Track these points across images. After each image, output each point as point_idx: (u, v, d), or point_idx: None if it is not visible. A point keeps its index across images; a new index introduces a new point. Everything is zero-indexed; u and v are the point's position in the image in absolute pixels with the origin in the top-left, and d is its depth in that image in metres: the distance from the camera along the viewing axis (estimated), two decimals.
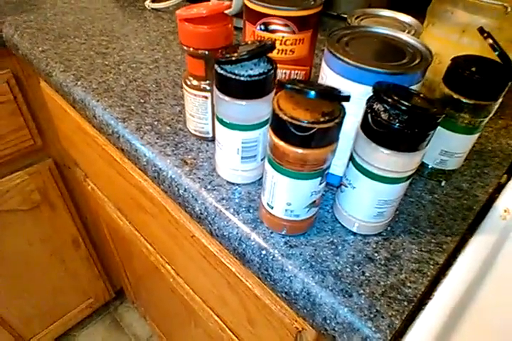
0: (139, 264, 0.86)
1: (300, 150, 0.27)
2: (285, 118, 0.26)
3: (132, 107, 0.47)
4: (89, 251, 1.06)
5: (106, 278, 1.18)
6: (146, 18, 0.69)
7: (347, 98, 0.25)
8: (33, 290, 1.02)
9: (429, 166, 0.40)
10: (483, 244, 0.35)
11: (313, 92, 0.24)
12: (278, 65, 0.41)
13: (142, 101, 0.48)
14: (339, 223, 0.35)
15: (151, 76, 0.53)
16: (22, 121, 0.74)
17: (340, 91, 0.26)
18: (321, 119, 0.25)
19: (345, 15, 0.70)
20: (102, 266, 1.14)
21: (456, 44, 0.44)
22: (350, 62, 0.29)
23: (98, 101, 0.48)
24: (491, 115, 0.36)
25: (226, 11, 0.61)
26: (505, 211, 0.38)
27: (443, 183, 0.41)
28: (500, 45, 0.34)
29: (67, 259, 1.02)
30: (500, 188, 0.41)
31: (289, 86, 0.25)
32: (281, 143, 0.27)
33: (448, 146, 0.38)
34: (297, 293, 0.31)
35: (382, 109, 0.27)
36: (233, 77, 0.30)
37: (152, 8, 0.72)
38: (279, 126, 0.27)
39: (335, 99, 0.25)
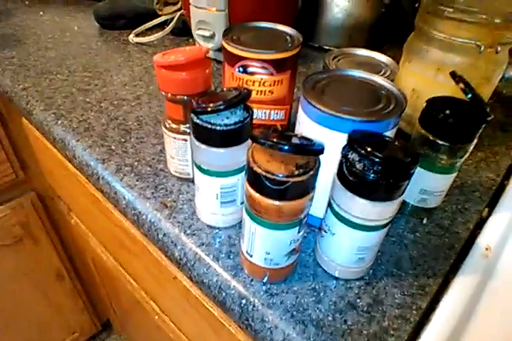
0: (125, 298, 0.84)
1: (276, 202, 0.27)
2: (259, 171, 0.26)
3: (113, 147, 0.47)
4: (73, 284, 1.03)
5: (92, 310, 1.15)
6: (129, 52, 0.70)
7: (320, 152, 0.25)
8: (16, 325, 0.98)
9: (410, 204, 0.40)
10: (466, 284, 0.35)
11: (286, 147, 0.24)
12: (258, 106, 0.42)
13: (123, 140, 0.48)
14: (321, 267, 0.35)
15: (133, 113, 0.53)
16: (3, 155, 0.74)
17: (314, 144, 0.26)
18: (296, 172, 0.25)
19: (326, 47, 0.71)
20: (87, 298, 1.11)
21: (433, 81, 0.45)
22: (326, 110, 0.30)
23: (78, 141, 0.47)
24: (467, 155, 0.36)
25: (209, 46, 0.62)
26: (486, 249, 0.38)
27: (425, 221, 0.41)
28: (473, 87, 0.35)
29: (50, 293, 1.00)
30: (481, 223, 0.42)
31: (262, 141, 0.25)
32: (257, 195, 0.27)
33: (427, 185, 0.38)
34: None
35: (357, 158, 0.27)
36: (209, 126, 0.30)
37: (136, 42, 0.72)
38: (254, 178, 0.26)
39: (309, 153, 0.25)
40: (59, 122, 0.50)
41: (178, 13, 0.70)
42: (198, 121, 0.30)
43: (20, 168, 0.78)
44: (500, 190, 0.45)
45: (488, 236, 0.39)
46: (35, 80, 0.59)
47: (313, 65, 0.67)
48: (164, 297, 0.56)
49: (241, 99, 0.30)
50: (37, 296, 0.98)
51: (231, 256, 0.35)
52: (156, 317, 0.63)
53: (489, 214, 0.42)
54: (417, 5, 0.62)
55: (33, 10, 0.84)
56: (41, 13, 0.83)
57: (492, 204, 0.43)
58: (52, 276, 0.97)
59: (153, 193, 0.41)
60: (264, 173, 0.25)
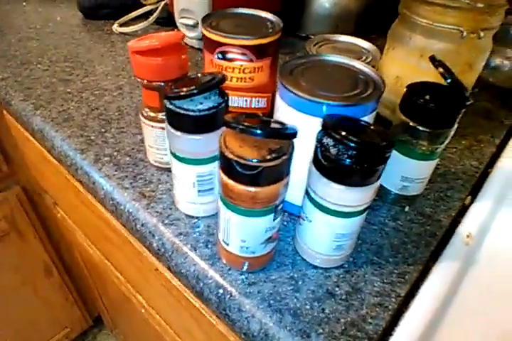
0: (113, 292, 0.83)
1: (249, 188, 0.26)
2: (231, 156, 0.25)
3: (92, 137, 0.46)
4: (62, 279, 1.02)
5: (82, 305, 1.14)
6: (113, 42, 0.68)
7: (292, 135, 0.25)
8: (4, 322, 0.97)
9: (392, 192, 0.40)
10: (446, 272, 0.35)
11: (258, 131, 0.24)
12: (238, 93, 0.41)
13: (103, 130, 0.47)
14: (300, 256, 0.34)
15: (114, 103, 0.52)
16: None
17: (286, 128, 0.25)
18: (268, 157, 0.25)
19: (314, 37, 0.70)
20: (77, 293, 1.10)
21: (416, 67, 0.44)
22: (301, 94, 0.29)
23: (57, 131, 0.46)
24: (447, 141, 0.36)
25: (192, 35, 0.61)
26: (467, 236, 0.38)
27: (407, 208, 0.40)
28: (454, 72, 0.35)
29: (39, 288, 0.99)
30: (463, 211, 0.41)
31: (233, 125, 0.24)
32: (230, 181, 0.26)
33: (408, 172, 0.38)
34: (255, 334, 0.30)
35: (332, 143, 0.26)
36: (183, 112, 0.29)
37: (120, 33, 0.71)
38: (227, 164, 0.26)
39: (281, 137, 0.25)
40: (38, 112, 0.49)
41: (162, 3, 0.69)
42: (171, 106, 0.29)
43: (4, 161, 0.77)
44: (484, 178, 0.45)
45: (470, 223, 0.39)
46: (15, 70, 0.58)
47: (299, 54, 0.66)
48: (149, 289, 0.55)
49: (215, 83, 0.29)
50: (26, 292, 0.97)
51: (209, 246, 0.34)
52: (143, 310, 0.63)
53: (472, 202, 0.42)
54: None
55: (15, 1, 0.82)
56: (24, 3, 0.81)
57: (475, 192, 0.43)
58: (41, 271, 0.96)
59: (131, 183, 0.40)
60: (236, 158, 0.25)
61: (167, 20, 0.70)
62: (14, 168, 0.80)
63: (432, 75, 0.42)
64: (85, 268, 0.92)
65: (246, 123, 0.25)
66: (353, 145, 0.25)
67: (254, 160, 0.25)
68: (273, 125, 0.26)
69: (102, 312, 1.11)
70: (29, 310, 1.01)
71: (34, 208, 0.86)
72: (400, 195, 0.39)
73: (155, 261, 0.44)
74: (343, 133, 0.25)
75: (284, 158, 0.25)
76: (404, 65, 0.45)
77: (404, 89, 0.36)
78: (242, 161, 0.25)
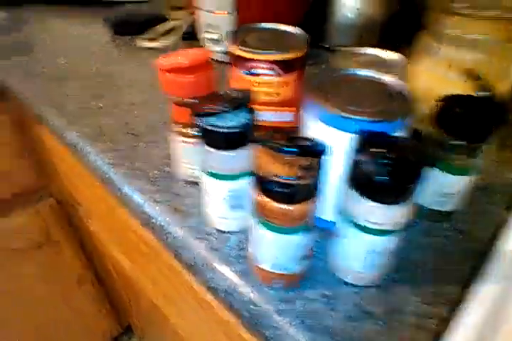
0: (144, 303, 0.84)
1: (282, 206, 0.26)
2: (264, 174, 0.25)
3: (123, 152, 0.47)
4: (95, 289, 1.04)
5: (113, 315, 1.15)
6: (140, 57, 0.70)
7: (322, 152, 0.24)
8: (38, 331, 1.00)
9: (427, 208, 0.38)
10: (489, 291, 0.33)
11: (286, 149, 0.23)
12: (265, 107, 0.41)
13: (134, 144, 0.48)
14: (334, 273, 0.34)
15: (143, 118, 0.53)
16: (24, 162, 0.75)
17: (316, 144, 0.25)
18: (299, 174, 0.24)
19: (338, 48, 0.70)
20: (109, 303, 1.12)
21: (444, 78, 0.43)
22: (332, 110, 0.29)
23: (90, 146, 0.48)
24: (484, 155, 0.34)
25: (217, 49, 0.61)
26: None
27: (443, 224, 0.39)
28: (487, 82, 0.34)
29: (72, 298, 1.01)
30: (502, 226, 0.39)
31: (262, 143, 0.24)
32: (263, 199, 0.26)
33: (444, 188, 0.36)
34: None
35: (367, 160, 0.26)
36: (213, 129, 0.29)
37: (147, 48, 0.73)
38: (259, 181, 0.26)
39: (310, 154, 0.25)
40: (71, 127, 0.51)
41: (188, 18, 0.70)
42: (201, 123, 0.30)
43: (40, 174, 0.79)
44: None
45: (511, 239, 0.37)
46: (48, 86, 0.60)
47: (325, 66, 0.66)
48: (179, 301, 0.56)
49: (244, 100, 0.29)
50: (59, 302, 0.99)
51: (240, 261, 0.34)
52: (173, 321, 0.63)
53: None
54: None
55: (45, 17, 0.85)
56: (55, 20, 0.85)
57: None
58: (74, 282, 0.98)
59: (163, 197, 0.40)
60: (267, 176, 0.25)
61: (192, 35, 0.71)
62: (47, 180, 0.82)
63: (460, 86, 0.41)
64: (118, 279, 0.93)
65: (278, 141, 0.24)
66: (389, 162, 0.25)
67: (285, 178, 0.24)
68: (302, 142, 0.26)
69: (133, 322, 1.13)
70: (61, 321, 1.04)
71: (67, 220, 0.88)
72: (435, 211, 0.38)
73: (186, 274, 0.44)
74: (379, 150, 0.25)
75: (316, 174, 0.25)
76: (432, 76, 0.44)
77: (438, 102, 0.35)
78: (273, 178, 0.25)
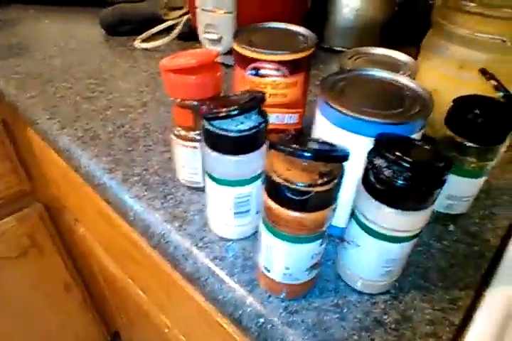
0: (133, 310, 0.81)
1: (297, 214, 0.24)
2: (278, 180, 0.23)
3: (119, 156, 0.45)
4: (82, 296, 1.01)
5: (101, 322, 1.12)
6: (135, 58, 0.68)
7: (345, 158, 0.23)
8: (24, 337, 0.96)
9: (435, 210, 0.38)
10: (502, 296, 0.32)
11: (307, 154, 0.22)
12: (271, 109, 0.40)
13: (130, 148, 0.46)
14: (343, 281, 0.32)
15: (140, 121, 0.51)
16: (9, 166, 0.72)
17: (337, 150, 0.24)
18: (319, 181, 0.23)
19: (337, 49, 0.69)
20: (96, 309, 1.09)
21: (455, 79, 0.42)
22: (347, 112, 0.27)
23: (83, 150, 0.46)
24: (498, 157, 0.34)
25: (218, 49, 0.60)
26: None
27: (451, 227, 0.38)
28: (502, 82, 0.33)
29: (59, 305, 0.98)
30: (511, 229, 0.39)
31: (281, 148, 0.22)
32: (276, 207, 0.25)
33: (454, 190, 0.36)
34: None
35: (385, 164, 0.25)
36: (222, 133, 0.28)
37: (142, 48, 0.71)
38: (273, 188, 0.24)
39: (332, 160, 0.23)
40: (64, 131, 0.49)
41: (185, 18, 0.69)
42: (209, 127, 0.28)
43: (26, 178, 0.76)
44: None
45: None
46: (41, 89, 0.57)
47: (324, 67, 0.65)
48: (174, 310, 0.54)
49: (256, 102, 0.28)
50: (45, 308, 0.96)
51: (246, 271, 0.33)
52: (166, 330, 0.61)
53: None
54: (431, 2, 0.60)
55: (38, 18, 0.83)
56: (47, 21, 0.82)
57: None
58: (60, 288, 0.95)
59: (162, 203, 0.39)
60: (283, 182, 0.23)
61: (189, 35, 0.70)
62: (35, 185, 0.79)
63: (472, 87, 0.40)
64: (105, 285, 0.90)
65: (294, 146, 0.23)
66: (409, 166, 0.23)
67: (305, 185, 0.23)
68: (322, 146, 0.25)
69: (121, 329, 1.10)
70: (48, 327, 1.00)
71: (55, 225, 0.85)
72: (444, 214, 0.37)
73: (184, 284, 0.42)
74: (398, 154, 0.24)
75: (335, 181, 0.24)
76: (441, 76, 0.43)
77: (448, 104, 0.34)
78: (290, 185, 0.23)
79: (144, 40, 0.71)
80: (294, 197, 0.24)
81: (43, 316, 0.97)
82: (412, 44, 0.49)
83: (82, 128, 0.49)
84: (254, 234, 0.36)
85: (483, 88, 0.37)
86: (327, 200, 0.24)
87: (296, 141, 0.24)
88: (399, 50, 0.44)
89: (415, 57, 0.46)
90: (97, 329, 1.13)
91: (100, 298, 1.05)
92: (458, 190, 0.36)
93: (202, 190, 0.40)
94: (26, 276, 0.87)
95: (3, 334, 0.90)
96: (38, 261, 0.86)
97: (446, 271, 0.34)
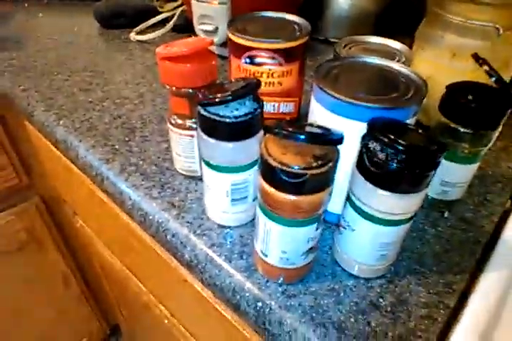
0: (133, 302, 0.82)
1: (292, 197, 0.25)
2: (274, 164, 0.24)
3: (116, 146, 0.45)
4: (81, 289, 1.01)
5: (100, 315, 1.13)
6: (131, 50, 0.68)
7: (339, 141, 0.23)
8: (22, 332, 0.97)
9: (430, 197, 0.38)
10: (495, 280, 0.33)
11: (302, 137, 0.22)
12: (266, 98, 0.40)
13: (127, 139, 0.46)
14: (339, 266, 0.33)
15: (136, 112, 0.51)
16: (6, 160, 0.72)
17: (332, 133, 0.24)
18: (314, 164, 0.23)
19: (333, 40, 0.69)
20: (95, 303, 1.09)
21: (448, 67, 0.43)
22: (342, 98, 0.28)
23: (80, 141, 0.46)
24: (491, 143, 0.34)
25: (214, 39, 0.60)
26: None
27: (446, 214, 0.39)
28: (495, 69, 0.33)
29: (58, 298, 0.98)
30: (506, 216, 0.39)
31: (276, 131, 0.23)
32: (272, 190, 0.25)
33: (448, 177, 0.36)
34: None
35: (379, 148, 0.25)
36: (218, 118, 0.28)
37: (137, 41, 0.71)
38: (269, 172, 0.25)
39: (326, 143, 0.24)
40: (61, 123, 0.49)
41: (179, 9, 0.69)
42: (205, 113, 0.28)
43: (23, 172, 0.76)
44: None
45: None
46: (36, 81, 0.57)
47: (321, 59, 0.65)
48: (174, 300, 0.54)
49: (251, 88, 0.28)
50: (44, 302, 0.96)
51: (244, 257, 0.33)
52: (166, 321, 0.61)
53: None
54: None
55: (32, 12, 0.82)
56: (40, 14, 0.82)
57: None
58: (59, 281, 0.95)
59: (159, 192, 0.39)
60: (279, 166, 0.24)
61: (184, 27, 0.69)
62: (34, 178, 0.79)
63: (465, 74, 0.40)
64: (104, 277, 0.91)
65: (289, 129, 0.23)
66: (403, 149, 0.24)
67: (300, 168, 0.23)
68: (317, 130, 0.25)
69: (120, 322, 1.10)
70: (47, 320, 1.01)
71: (53, 218, 0.85)
72: (439, 200, 0.38)
73: (184, 272, 0.43)
74: (392, 137, 0.24)
75: (330, 164, 0.24)
76: (435, 65, 0.44)
77: (441, 91, 0.34)
78: (286, 168, 0.23)
79: (139, 33, 0.71)
80: (289, 180, 0.24)
81: (42, 309, 0.97)
82: (406, 34, 0.49)
83: (78, 119, 0.49)
84: (252, 221, 0.36)
85: (476, 75, 0.37)
86: (322, 183, 0.25)
87: (291, 125, 0.24)
88: (393, 40, 0.44)
89: (410, 47, 0.46)
90: (96, 322, 1.14)
91: (99, 291, 1.05)
92: (452, 177, 0.36)
93: (199, 178, 0.40)
94: (24, 270, 0.87)
95: (1, 327, 0.91)
96: (37, 254, 0.86)
97: (441, 256, 0.35)
